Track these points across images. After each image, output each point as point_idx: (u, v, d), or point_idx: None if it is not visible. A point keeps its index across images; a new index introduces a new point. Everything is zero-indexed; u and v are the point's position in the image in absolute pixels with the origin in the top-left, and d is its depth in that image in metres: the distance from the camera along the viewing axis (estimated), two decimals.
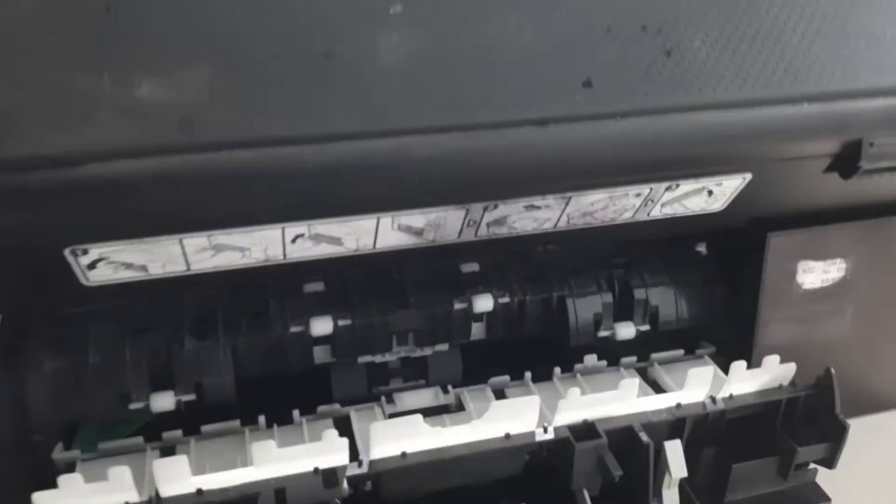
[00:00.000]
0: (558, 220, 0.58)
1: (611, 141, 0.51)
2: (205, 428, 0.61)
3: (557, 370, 0.69)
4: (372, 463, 0.53)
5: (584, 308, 0.72)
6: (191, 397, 0.63)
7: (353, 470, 0.53)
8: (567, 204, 0.56)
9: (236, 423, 0.62)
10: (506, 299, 0.71)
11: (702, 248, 0.76)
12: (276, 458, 0.51)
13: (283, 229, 0.51)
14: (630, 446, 0.57)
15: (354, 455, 0.54)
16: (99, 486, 0.48)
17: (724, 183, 0.58)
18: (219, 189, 0.45)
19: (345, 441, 0.52)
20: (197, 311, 0.66)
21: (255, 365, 0.66)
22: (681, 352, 0.72)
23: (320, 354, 0.69)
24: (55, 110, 0.42)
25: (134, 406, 0.62)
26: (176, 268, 0.52)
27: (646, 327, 0.73)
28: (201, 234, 0.49)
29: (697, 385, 0.59)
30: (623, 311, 0.73)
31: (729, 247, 0.72)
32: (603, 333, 0.72)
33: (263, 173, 0.45)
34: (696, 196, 0.59)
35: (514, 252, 0.71)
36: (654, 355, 0.71)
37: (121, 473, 0.48)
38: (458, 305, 0.69)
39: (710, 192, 0.59)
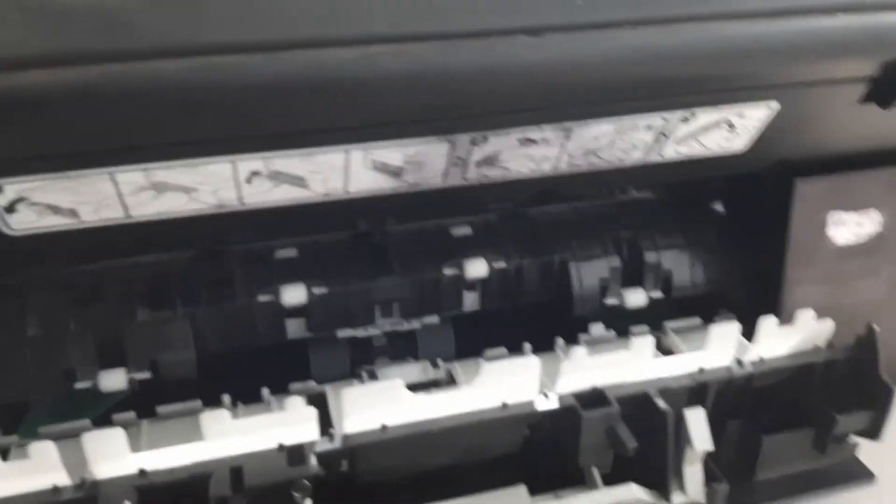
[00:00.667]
0: (558, 159, 0.50)
1: (616, 54, 0.43)
2: (161, 409, 0.54)
3: (560, 340, 0.61)
4: (346, 437, 0.46)
5: (589, 273, 0.64)
6: (145, 375, 0.56)
7: (324, 445, 0.45)
8: (568, 138, 0.48)
9: (197, 403, 0.54)
10: (501, 264, 0.63)
11: (718, 206, 0.69)
12: (231, 432, 0.43)
13: (234, 164, 0.44)
14: (646, 416, 0.49)
15: (328, 431, 0.47)
16: (19, 466, 0.41)
17: (747, 114, 0.51)
18: (150, 107, 0.38)
19: (312, 411, 0.44)
20: (151, 278, 0.58)
21: (219, 339, 0.59)
22: (697, 320, 0.64)
23: (294, 328, 0.61)
24: None
25: (80, 385, 0.55)
26: (112, 213, 0.45)
27: (658, 294, 0.66)
28: (135, 167, 0.42)
29: (721, 346, 0.51)
30: (632, 276, 0.66)
31: (750, 200, 0.65)
32: (610, 301, 0.65)
33: (203, 87, 0.38)
34: (715, 131, 0.52)
35: (508, 203, 0.63)
36: (669, 323, 0.63)
37: (44, 451, 0.41)
38: (448, 271, 0.62)
39: (731, 125, 0.52)
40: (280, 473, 0.44)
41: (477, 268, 0.62)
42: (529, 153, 0.49)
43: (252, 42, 0.38)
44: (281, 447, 0.44)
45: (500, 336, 0.62)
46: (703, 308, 0.66)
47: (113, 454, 0.42)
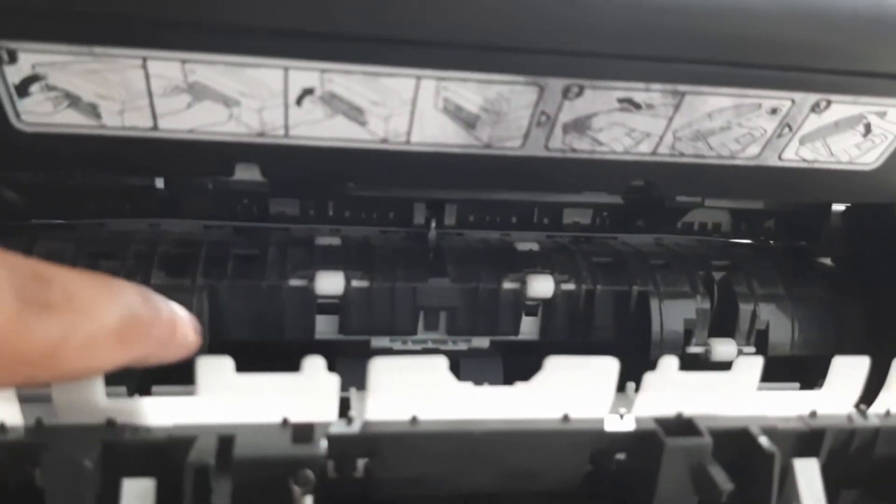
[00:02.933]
0: (661, 137, 0.43)
1: None
2: (156, 389, 0.45)
3: (631, 385, 0.52)
4: (367, 423, 0.36)
5: (673, 312, 0.55)
6: None
7: (340, 428, 0.36)
8: (677, 109, 0.41)
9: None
10: (570, 286, 0.55)
11: (826, 261, 0.60)
12: (231, 388, 0.35)
13: (286, 72, 0.37)
14: (742, 460, 0.39)
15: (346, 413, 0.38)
16: None
17: (891, 114, 0.43)
18: None
19: (334, 379, 0.36)
20: (177, 242, 0.51)
21: (238, 323, 0.51)
22: (796, 385, 0.54)
23: (324, 326, 0.53)
24: None
25: None
26: (139, 121, 0.38)
27: (750, 349, 0.56)
28: (173, 53, 0.35)
29: (845, 384, 0.41)
30: (722, 324, 0.56)
31: (871, 244, 0.55)
32: (693, 349, 0.55)
33: None
34: (847, 132, 0.44)
35: (595, 189, 0.54)
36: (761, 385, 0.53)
37: None
38: (508, 284, 0.54)
39: (868, 129, 0.44)
40: (280, 453, 0.34)
41: (542, 285, 0.53)
42: (628, 123, 0.42)
43: None
44: (285, 422, 0.36)
45: None
46: (799, 375, 0.55)
47: (86, 393, 0.34)
